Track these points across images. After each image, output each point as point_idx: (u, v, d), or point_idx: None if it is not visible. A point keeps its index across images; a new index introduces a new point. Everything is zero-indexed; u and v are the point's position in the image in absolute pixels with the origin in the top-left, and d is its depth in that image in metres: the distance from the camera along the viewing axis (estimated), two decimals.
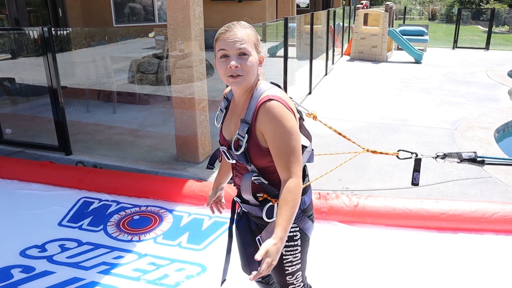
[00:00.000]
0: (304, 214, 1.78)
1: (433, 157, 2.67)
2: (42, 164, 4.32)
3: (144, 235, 3.30)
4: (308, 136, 1.82)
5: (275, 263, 1.52)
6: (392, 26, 13.32)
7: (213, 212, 2.18)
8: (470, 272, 2.85)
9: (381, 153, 2.47)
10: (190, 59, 4.37)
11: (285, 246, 1.73)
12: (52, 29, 4.61)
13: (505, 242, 3.15)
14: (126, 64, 7.67)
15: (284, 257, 1.77)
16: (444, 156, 2.58)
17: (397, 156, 2.54)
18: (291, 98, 1.73)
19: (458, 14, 15.93)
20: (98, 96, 7.26)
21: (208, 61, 7.53)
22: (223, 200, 2.19)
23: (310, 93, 8.06)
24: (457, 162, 2.58)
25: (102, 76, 7.28)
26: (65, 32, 8.28)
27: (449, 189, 4.02)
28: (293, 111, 1.63)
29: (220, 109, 1.82)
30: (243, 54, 1.57)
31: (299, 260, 1.82)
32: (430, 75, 9.93)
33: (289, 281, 1.86)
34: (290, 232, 1.72)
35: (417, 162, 2.42)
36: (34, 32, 6.74)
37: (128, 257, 3.02)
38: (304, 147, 1.76)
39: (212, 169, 1.95)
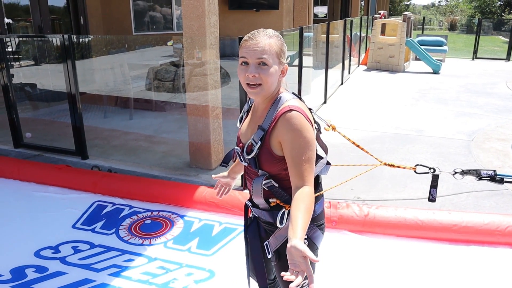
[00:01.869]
0: (314, 223, 1.77)
1: (452, 174, 2.63)
2: (59, 167, 4.43)
3: (155, 239, 3.34)
4: (324, 147, 1.84)
5: (308, 255, 1.39)
6: (410, 36, 13.23)
7: (216, 190, 2.21)
8: (482, 286, 2.81)
9: (398, 166, 2.43)
10: (205, 67, 4.43)
11: None
12: (73, 36, 4.74)
13: None
14: (144, 72, 7.81)
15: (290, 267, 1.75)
16: (463, 173, 2.53)
17: (415, 171, 2.49)
18: (310, 109, 1.74)
19: (478, 24, 15.74)
20: (115, 103, 7.40)
21: (224, 69, 7.62)
22: (231, 189, 2.21)
23: (325, 102, 8.06)
24: (476, 180, 2.54)
25: (120, 83, 7.41)
26: (86, 39, 8.48)
27: (463, 201, 3.96)
28: (311, 122, 1.65)
29: (243, 111, 1.87)
30: (263, 64, 1.57)
31: None
32: (448, 85, 9.82)
33: None
34: None
35: (435, 178, 2.36)
36: (56, 39, 6.94)
37: (138, 260, 3.07)
38: (319, 157, 1.78)
39: (226, 167, 1.98)
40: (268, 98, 1.67)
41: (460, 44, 20.79)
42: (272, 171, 1.67)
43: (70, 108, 4.85)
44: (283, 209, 1.71)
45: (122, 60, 7.72)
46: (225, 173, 2.16)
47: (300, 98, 1.71)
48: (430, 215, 3.32)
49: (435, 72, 11.60)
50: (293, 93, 1.73)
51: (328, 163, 1.89)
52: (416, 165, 2.49)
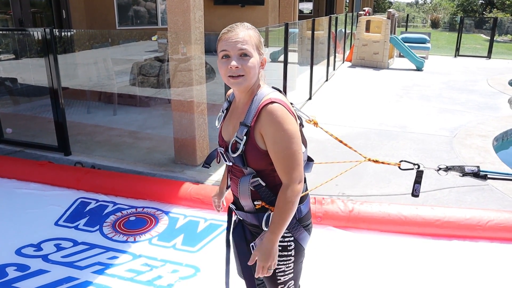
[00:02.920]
0: (300, 223, 1.74)
1: (436, 170, 2.66)
2: (41, 164, 4.35)
3: (140, 236, 3.31)
4: (304, 142, 1.79)
5: (267, 264, 1.59)
6: (394, 33, 13.35)
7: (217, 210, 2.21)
8: (464, 280, 2.86)
9: (382, 163, 2.45)
10: (190, 63, 4.40)
11: (279, 256, 1.70)
12: (55, 30, 4.65)
13: (499, 250, 3.15)
14: (128, 67, 7.72)
15: (276, 267, 1.73)
16: (447, 169, 2.56)
17: (399, 167, 2.52)
18: (291, 104, 1.72)
19: (461, 22, 15.97)
20: (99, 98, 7.30)
21: (209, 64, 7.58)
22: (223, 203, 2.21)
23: (310, 98, 8.08)
24: (460, 176, 2.57)
25: (104, 78, 7.31)
26: (68, 33, 8.33)
27: (445, 196, 4.03)
28: (294, 115, 1.62)
29: (222, 110, 1.83)
30: (244, 55, 1.56)
31: (292, 270, 1.79)
32: (431, 82, 9.95)
33: None
34: (284, 242, 1.72)
35: (419, 174, 2.39)
36: (37, 33, 6.80)
37: (123, 257, 3.04)
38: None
39: (208, 168, 1.95)
40: (249, 93, 1.65)
41: (442, 42, 21.06)
42: (259, 166, 1.64)
43: (52, 103, 4.77)
44: (268, 211, 1.69)
45: (106, 55, 7.62)
46: (215, 198, 2.17)
47: (280, 92, 1.69)
48: (413, 210, 3.37)
49: (419, 69, 11.73)
50: (273, 87, 1.71)
51: (310, 160, 1.85)
52: (400, 161, 2.51)
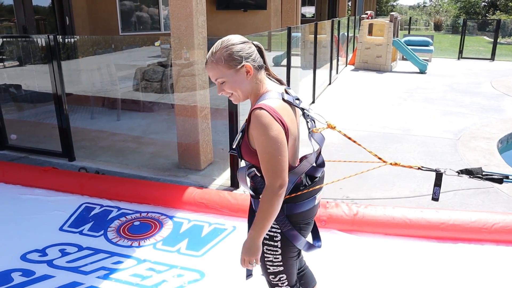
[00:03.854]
0: (289, 220, 1.78)
1: (456, 173, 2.59)
2: (45, 169, 4.36)
3: (144, 241, 3.31)
4: (314, 146, 1.85)
5: (248, 258, 1.72)
6: (397, 37, 13.35)
7: None
8: (470, 283, 2.84)
9: (403, 166, 2.43)
10: (193, 68, 4.41)
11: (265, 244, 1.83)
12: (59, 37, 4.68)
13: (505, 253, 3.13)
14: (131, 72, 7.75)
15: (265, 255, 1.85)
16: (468, 173, 2.48)
17: (420, 168, 2.47)
18: (304, 109, 1.80)
19: (464, 25, 15.95)
20: (102, 103, 7.33)
21: None
22: None
23: (313, 102, 8.09)
24: (479, 180, 2.52)
25: (107, 84, 7.35)
26: (72, 40, 8.38)
27: (450, 199, 4.01)
28: (283, 123, 1.64)
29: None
30: (221, 83, 1.71)
31: (281, 263, 1.85)
32: (434, 85, 9.93)
33: (272, 281, 1.92)
34: (271, 232, 1.81)
35: (438, 176, 2.35)
36: (41, 40, 6.84)
37: (127, 262, 3.04)
38: (303, 157, 1.85)
39: (236, 154, 1.98)
40: (254, 96, 1.75)
41: (445, 44, 21.03)
42: (251, 161, 1.75)
43: (56, 109, 4.79)
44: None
45: (109, 61, 7.66)
46: None
47: (284, 99, 1.72)
48: (418, 213, 3.35)
49: (422, 72, 11.72)
50: (286, 91, 1.76)
51: (320, 166, 1.89)
52: (418, 168, 2.46)
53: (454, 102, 8.09)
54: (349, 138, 2.23)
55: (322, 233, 3.28)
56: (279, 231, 1.80)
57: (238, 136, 1.77)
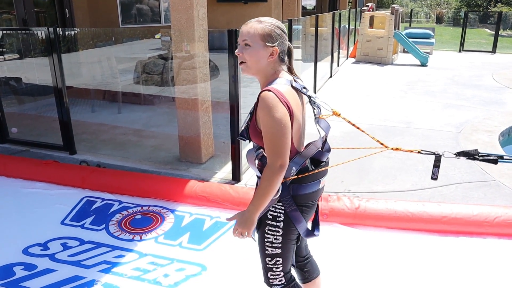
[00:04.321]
0: (294, 200, 1.84)
1: (454, 155, 2.58)
2: (46, 163, 4.36)
3: (146, 235, 3.31)
4: (321, 132, 1.92)
5: (241, 230, 1.77)
6: (398, 29, 13.28)
7: None
8: (471, 276, 2.84)
9: (404, 150, 2.45)
10: (194, 60, 4.39)
11: (268, 225, 1.88)
12: (59, 29, 4.65)
13: (507, 246, 3.13)
14: (131, 65, 7.71)
15: (265, 235, 1.90)
16: (468, 155, 2.49)
17: (420, 152, 2.51)
18: (311, 96, 1.88)
19: (465, 17, 15.86)
20: (103, 96, 7.31)
21: (213, 62, 7.56)
22: None
23: (305, 88, 8.03)
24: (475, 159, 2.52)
25: (108, 77, 7.32)
26: (72, 32, 8.34)
27: (452, 192, 4.00)
28: (289, 106, 1.71)
29: None
30: (246, 45, 1.77)
31: (280, 245, 1.89)
32: (436, 78, 9.89)
33: (268, 264, 1.94)
34: (275, 212, 1.86)
35: (437, 158, 2.38)
36: (41, 32, 6.81)
37: (129, 256, 3.04)
38: (309, 143, 1.91)
39: (244, 140, 2.00)
40: (264, 79, 1.82)
41: (447, 37, 20.94)
42: (259, 143, 1.81)
43: (57, 103, 4.78)
44: None
45: (110, 53, 7.62)
46: None
47: (294, 88, 1.79)
48: (420, 207, 3.35)
49: (423, 64, 11.67)
50: (295, 79, 1.84)
51: (326, 150, 1.97)
52: (419, 152, 2.49)
53: (455, 95, 8.06)
54: (353, 125, 2.27)
55: (324, 226, 3.29)
56: (283, 211, 1.85)
57: (247, 118, 1.84)
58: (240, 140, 2.22)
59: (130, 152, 5.00)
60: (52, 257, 3.02)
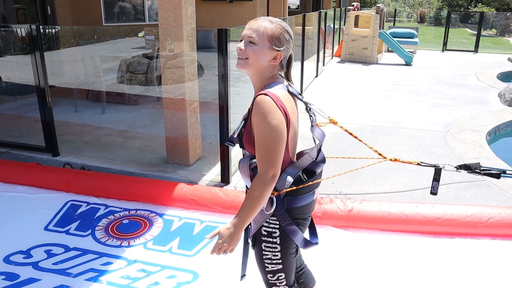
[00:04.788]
0: (289, 214, 1.75)
1: (455, 168, 2.54)
2: (28, 165, 4.20)
3: (134, 240, 3.20)
4: (314, 140, 1.84)
5: (227, 246, 1.64)
6: (383, 28, 13.34)
7: None
8: (466, 278, 2.81)
9: (403, 162, 2.39)
10: (181, 59, 4.28)
11: (264, 241, 1.79)
12: (41, 27, 4.49)
13: (501, 247, 3.12)
14: (115, 64, 7.53)
15: (263, 253, 1.81)
16: (467, 168, 2.44)
17: (419, 164, 2.44)
18: (308, 104, 1.81)
19: (448, 17, 16.03)
20: (86, 96, 7.12)
21: (198, 61, 7.45)
22: None
23: (300, 94, 7.99)
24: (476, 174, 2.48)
25: (91, 76, 7.14)
26: (53, 30, 8.11)
27: (443, 193, 3.98)
28: (285, 112, 1.63)
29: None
30: (251, 42, 1.67)
31: (280, 261, 1.81)
32: (421, 77, 9.95)
33: (270, 280, 1.87)
34: (269, 228, 1.76)
35: (437, 171, 2.32)
36: (21, 30, 6.59)
37: (117, 263, 2.92)
38: (302, 152, 1.84)
39: (233, 146, 1.90)
40: (259, 82, 1.72)
41: (429, 36, 21.17)
42: (253, 152, 1.71)
43: (39, 102, 4.61)
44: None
45: (93, 52, 7.44)
46: None
47: (290, 92, 1.73)
48: (413, 208, 3.31)
49: (408, 64, 11.74)
50: (289, 85, 1.76)
51: (321, 161, 1.86)
52: (418, 164, 2.42)
53: (441, 94, 8.11)
54: (351, 134, 2.21)
55: (317, 229, 3.23)
56: (278, 226, 1.75)
57: (240, 124, 1.74)
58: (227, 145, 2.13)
59: (115, 154, 4.86)
60: (35, 265, 2.88)
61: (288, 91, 1.72)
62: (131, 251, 3.07)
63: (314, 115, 1.85)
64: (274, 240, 1.77)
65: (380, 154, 2.37)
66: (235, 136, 1.77)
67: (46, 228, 3.36)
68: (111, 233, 3.29)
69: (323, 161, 1.88)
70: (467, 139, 5.42)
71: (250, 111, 1.68)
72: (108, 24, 11.05)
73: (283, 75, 1.82)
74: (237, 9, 12.47)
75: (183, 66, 4.29)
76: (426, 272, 2.88)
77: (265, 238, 1.78)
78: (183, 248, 3.11)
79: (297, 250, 1.88)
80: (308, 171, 1.84)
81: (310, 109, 1.84)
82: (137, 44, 9.23)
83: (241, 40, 1.72)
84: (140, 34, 9.37)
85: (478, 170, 2.48)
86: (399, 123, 6.20)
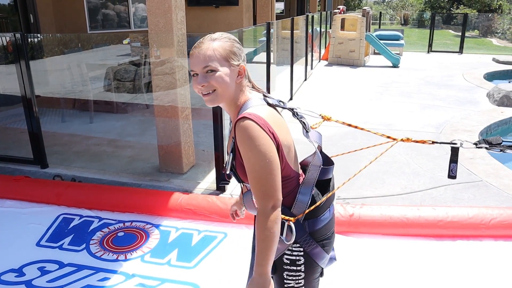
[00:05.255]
0: (312, 237, 1.61)
1: (474, 144, 2.41)
2: (16, 178, 4.06)
3: (131, 254, 3.09)
4: (314, 144, 1.68)
5: None
6: (369, 31, 13.42)
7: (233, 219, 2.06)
8: (471, 280, 2.77)
9: (415, 141, 2.25)
10: (172, 65, 4.19)
11: (287, 270, 1.63)
12: (26, 35, 4.36)
13: (505, 248, 3.09)
14: (102, 72, 7.39)
15: (285, 281, 1.65)
16: (491, 144, 2.32)
17: (434, 142, 2.30)
18: (294, 109, 1.63)
19: (432, 18, 16.21)
20: (73, 105, 6.97)
21: (186, 67, 7.36)
22: (242, 214, 2.02)
23: (291, 98, 7.97)
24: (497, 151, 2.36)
25: (78, 84, 6.99)
26: (37, 39, 7.94)
27: (442, 194, 3.96)
28: (273, 134, 1.46)
29: (230, 122, 1.70)
30: (210, 71, 1.46)
31: (303, 287, 1.66)
32: (409, 79, 10.00)
33: None
34: (293, 255, 1.61)
35: (455, 151, 2.16)
36: (3, 39, 6.42)
37: (115, 278, 2.81)
38: (305, 161, 1.73)
39: (227, 183, 1.79)
40: (233, 107, 1.54)
41: (414, 38, 21.40)
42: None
43: (25, 113, 4.47)
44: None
45: (79, 60, 7.29)
46: (233, 206, 2.03)
47: (269, 104, 1.55)
48: (415, 211, 3.27)
49: (395, 65, 11.81)
50: (264, 95, 1.58)
51: (329, 163, 1.72)
52: (433, 142, 2.29)
53: (430, 96, 8.14)
54: (349, 125, 2.10)
55: None
56: (302, 252, 1.60)
57: (230, 157, 1.55)
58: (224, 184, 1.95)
59: (106, 164, 4.73)
60: (29, 284, 2.75)
61: (268, 103, 1.54)
62: (129, 265, 2.96)
63: (305, 119, 1.68)
64: (298, 268, 1.63)
65: (388, 137, 2.27)
66: (227, 172, 1.58)
67: (38, 244, 3.22)
68: (106, 246, 3.18)
69: (331, 162, 1.74)
70: (460, 140, 5.41)
71: (234, 139, 1.50)
72: (93, 32, 10.90)
73: (252, 87, 1.63)
74: (223, 14, 12.41)
75: (174, 72, 4.20)
76: (430, 276, 2.83)
77: (288, 267, 1.63)
78: (182, 260, 3.02)
79: (322, 272, 1.74)
80: (319, 183, 1.69)
81: (297, 113, 1.66)
82: (122, 51, 9.10)
83: (194, 75, 1.50)
84: (125, 41, 9.24)
85: (499, 145, 2.35)
86: (391, 125, 6.19)
